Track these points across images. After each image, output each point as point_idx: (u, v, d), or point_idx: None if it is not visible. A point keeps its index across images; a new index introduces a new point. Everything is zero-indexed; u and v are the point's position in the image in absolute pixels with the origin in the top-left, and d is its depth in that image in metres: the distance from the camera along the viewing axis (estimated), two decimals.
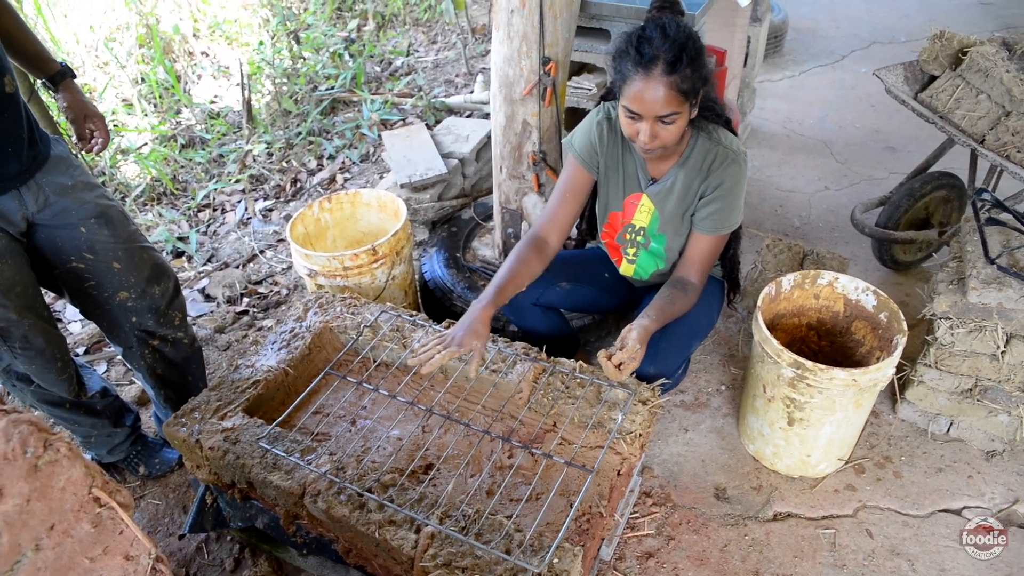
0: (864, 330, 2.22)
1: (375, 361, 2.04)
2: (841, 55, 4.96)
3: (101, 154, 2.14)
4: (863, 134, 4.02)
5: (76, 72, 2.04)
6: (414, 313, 2.07)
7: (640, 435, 1.73)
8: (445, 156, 3.15)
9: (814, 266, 2.64)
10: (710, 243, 1.87)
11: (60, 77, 1.95)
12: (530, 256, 1.87)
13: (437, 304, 2.58)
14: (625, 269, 2.10)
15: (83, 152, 2.04)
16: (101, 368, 2.73)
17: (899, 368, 2.10)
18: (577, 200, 1.96)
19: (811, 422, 2.04)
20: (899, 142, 3.92)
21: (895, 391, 2.35)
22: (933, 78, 2.61)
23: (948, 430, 2.29)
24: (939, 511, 2.10)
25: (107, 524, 1.03)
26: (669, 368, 1.92)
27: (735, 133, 1.87)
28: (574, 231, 2.31)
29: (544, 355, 1.92)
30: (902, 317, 2.02)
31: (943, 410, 2.26)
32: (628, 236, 2.01)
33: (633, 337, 1.67)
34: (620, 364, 1.63)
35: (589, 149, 1.91)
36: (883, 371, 1.92)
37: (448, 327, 2.00)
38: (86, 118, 1.99)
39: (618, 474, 1.71)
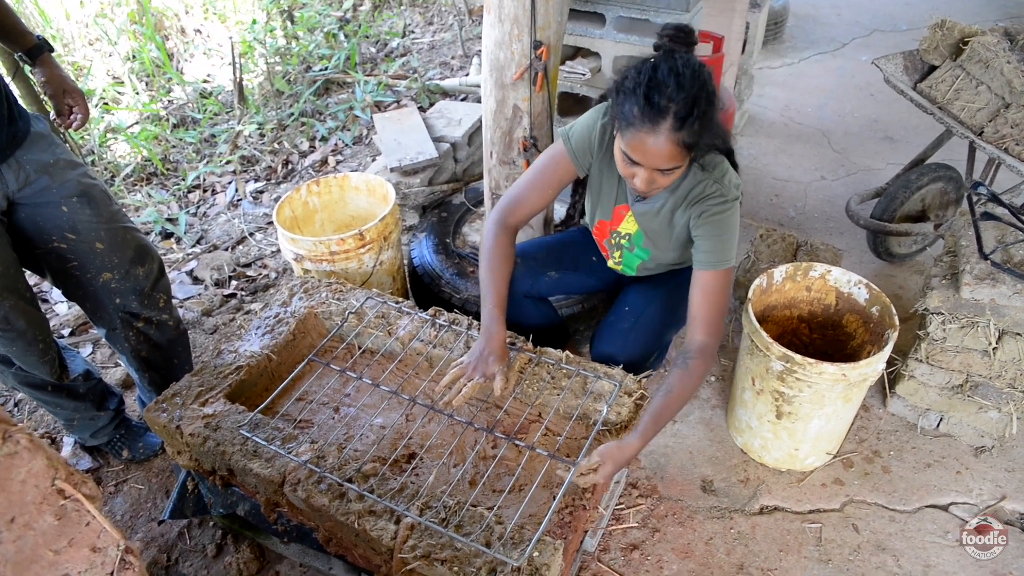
0: (856, 323, 2.20)
1: (360, 348, 2.01)
2: (842, 43, 4.90)
3: (90, 132, 2.10)
4: (862, 123, 3.98)
5: (54, 46, 1.99)
6: (400, 300, 2.04)
7: (625, 427, 1.71)
8: (437, 140, 3.11)
9: (808, 257, 2.61)
10: (711, 279, 1.68)
11: (37, 51, 1.90)
12: (508, 248, 1.82)
13: (426, 290, 2.55)
14: (612, 265, 2.07)
15: (63, 128, 2.00)
16: (86, 350, 2.71)
17: (890, 362, 2.08)
18: (553, 191, 1.85)
19: (800, 416, 2.02)
20: (898, 132, 3.88)
21: (885, 385, 2.33)
22: (933, 68, 2.58)
23: (938, 425, 2.28)
24: (926, 507, 2.09)
25: (72, 516, 1.00)
26: (639, 354, 1.89)
27: (735, 163, 1.75)
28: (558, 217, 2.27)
29: (530, 345, 1.89)
30: (894, 312, 2.00)
31: (933, 405, 2.24)
32: (614, 241, 1.97)
33: (598, 449, 1.56)
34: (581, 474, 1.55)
35: (585, 148, 1.78)
36: (873, 366, 1.90)
37: (435, 315, 1.97)
38: (65, 93, 1.94)
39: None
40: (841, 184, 3.47)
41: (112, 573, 1.06)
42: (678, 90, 1.42)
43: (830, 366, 1.85)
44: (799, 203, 3.36)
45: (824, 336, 2.31)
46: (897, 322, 1.97)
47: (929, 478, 2.16)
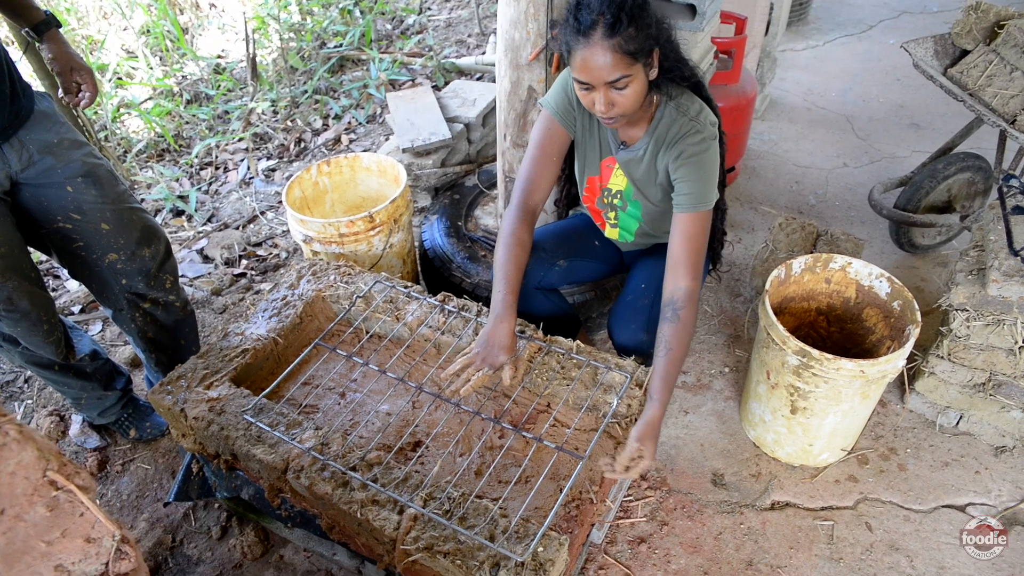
0: (876, 318, 2.14)
1: (367, 333, 1.98)
2: (869, 25, 4.77)
3: (103, 108, 2.07)
4: (887, 109, 3.87)
5: (63, 21, 1.95)
6: (409, 285, 2.01)
7: (636, 419, 1.67)
8: (450, 120, 3.06)
9: (827, 247, 2.55)
10: (691, 222, 1.66)
11: (44, 27, 1.86)
12: (526, 237, 1.78)
13: (436, 274, 2.51)
14: (610, 233, 2.03)
15: (71, 106, 1.97)
16: (96, 328, 2.70)
17: (910, 358, 2.03)
18: (557, 160, 1.84)
19: (815, 411, 1.97)
20: (925, 119, 3.77)
21: (904, 382, 2.27)
22: (965, 52, 2.48)
23: (957, 424, 2.22)
24: (943, 507, 2.04)
25: (64, 507, 0.98)
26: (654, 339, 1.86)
27: (707, 97, 1.74)
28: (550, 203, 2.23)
29: (540, 333, 1.86)
30: (916, 307, 1.94)
31: (953, 403, 2.18)
32: (606, 200, 1.93)
33: (631, 436, 1.53)
34: (627, 467, 1.51)
35: (566, 106, 1.78)
36: (893, 363, 1.84)
37: (444, 300, 1.94)
38: (72, 70, 1.91)
39: (612, 459, 1.66)
40: (864, 172, 3.38)
41: (107, 563, 1.05)
42: (600, 2, 1.46)
43: (848, 362, 1.80)
44: (820, 190, 3.28)
45: (842, 330, 2.26)
46: (919, 318, 1.91)
47: (946, 477, 2.11)
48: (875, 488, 2.09)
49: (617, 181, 1.87)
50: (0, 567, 0.93)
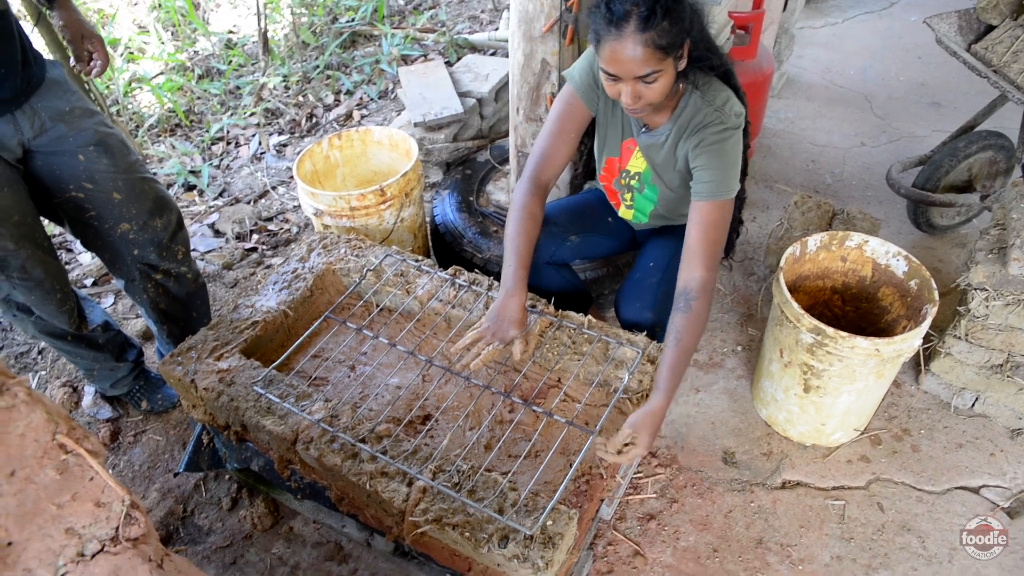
0: (892, 297, 2.11)
1: (377, 306, 1.97)
2: (890, 2, 4.68)
3: (115, 82, 2.06)
4: (907, 88, 3.80)
5: None
6: (419, 258, 2.00)
7: (647, 395, 1.66)
8: (463, 95, 3.02)
9: (844, 226, 2.51)
10: (709, 211, 1.63)
11: None
12: (537, 211, 1.76)
13: (447, 249, 2.50)
14: (624, 213, 2.00)
15: (82, 74, 1.96)
16: (108, 301, 2.71)
17: (926, 338, 1.99)
18: (574, 137, 1.81)
19: (828, 390, 1.95)
20: (946, 98, 3.70)
21: (920, 362, 2.25)
22: (990, 28, 2.42)
23: (973, 405, 2.19)
24: (956, 488, 2.02)
25: (74, 471, 0.98)
26: (669, 310, 1.83)
27: (735, 86, 1.69)
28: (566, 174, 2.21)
29: (552, 308, 1.84)
30: (934, 286, 1.90)
31: (969, 384, 2.15)
32: (624, 181, 1.90)
33: (627, 421, 1.48)
34: (619, 452, 1.46)
35: (591, 83, 1.74)
36: (909, 342, 1.82)
37: (455, 274, 1.92)
38: (84, 39, 1.90)
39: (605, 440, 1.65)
40: (882, 151, 3.33)
41: (117, 528, 1.05)
42: None
43: (863, 340, 1.78)
44: (836, 170, 3.23)
45: (857, 309, 2.23)
46: (937, 297, 1.88)
47: (960, 459, 2.09)
48: (888, 469, 2.08)
49: (636, 164, 1.84)
50: (13, 528, 0.94)
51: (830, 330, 1.80)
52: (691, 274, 1.60)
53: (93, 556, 1.00)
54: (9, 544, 0.93)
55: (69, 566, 0.97)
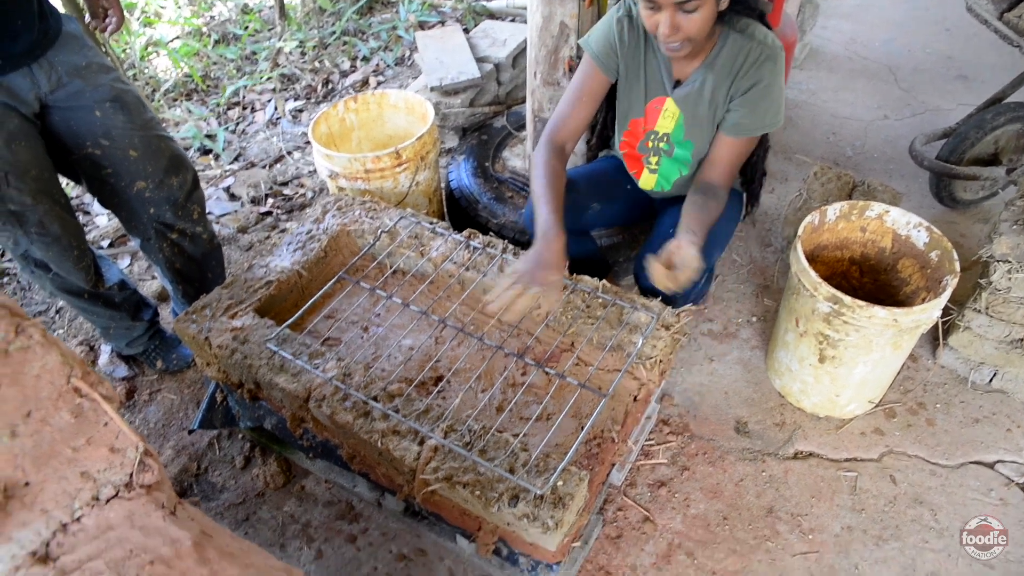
0: (911, 269, 2.07)
1: (391, 268, 1.97)
2: None
3: (131, 47, 2.05)
4: (933, 60, 3.71)
5: None
6: (434, 220, 1.98)
7: (660, 361, 1.65)
8: (480, 60, 2.99)
9: (864, 198, 2.47)
10: (737, 146, 1.71)
11: None
12: (560, 168, 1.75)
13: (462, 214, 2.48)
14: (646, 180, 1.97)
15: (98, 32, 1.95)
16: (124, 262, 2.72)
17: (945, 312, 1.96)
18: (592, 104, 1.81)
19: (844, 361, 1.93)
20: (973, 71, 3.61)
21: (938, 335, 2.22)
22: None
23: (990, 380, 2.17)
24: (970, 463, 2.00)
25: (89, 415, 0.98)
26: (694, 282, 1.83)
27: (770, 27, 1.68)
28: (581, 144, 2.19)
29: (566, 271, 1.82)
30: (955, 256, 1.87)
31: (988, 359, 2.12)
32: (651, 144, 1.87)
33: (694, 254, 1.50)
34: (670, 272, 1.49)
35: (608, 49, 1.74)
36: (928, 312, 1.79)
37: (470, 237, 1.91)
38: None
39: (635, 400, 1.64)
40: (905, 124, 3.26)
41: (131, 475, 1.06)
42: None
43: (881, 310, 1.75)
44: (858, 142, 3.17)
45: (876, 281, 2.20)
46: (958, 268, 1.84)
47: (976, 434, 2.07)
48: (901, 442, 2.06)
49: (665, 123, 1.82)
50: (30, 468, 0.94)
51: (847, 299, 1.78)
52: (712, 180, 1.72)
53: (108, 501, 1.00)
54: (27, 484, 0.94)
55: (84, 509, 0.97)
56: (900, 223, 2.05)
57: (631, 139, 1.91)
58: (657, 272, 1.47)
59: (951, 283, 1.82)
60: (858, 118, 3.31)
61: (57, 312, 2.54)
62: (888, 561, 1.81)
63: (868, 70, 3.65)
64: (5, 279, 2.65)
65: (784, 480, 1.98)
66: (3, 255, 2.70)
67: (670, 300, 1.77)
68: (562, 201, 1.69)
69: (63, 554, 0.91)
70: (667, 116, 1.80)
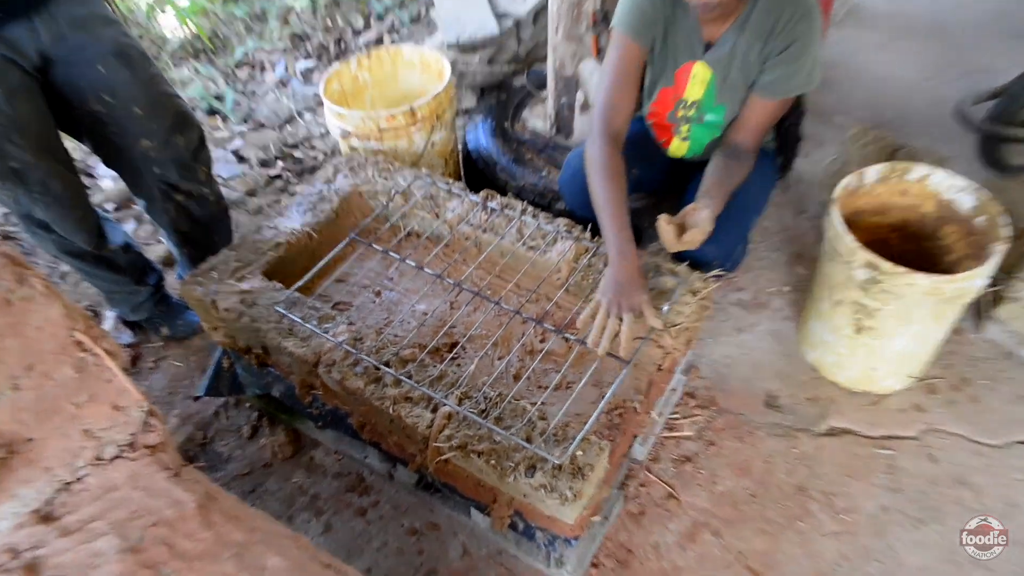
0: (955, 235, 1.94)
1: (405, 230, 1.88)
2: None
3: (138, 5, 1.96)
4: (986, 17, 3.50)
5: None
6: (449, 180, 1.89)
7: (687, 329, 1.55)
8: (500, 16, 2.86)
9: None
10: (771, 108, 1.66)
11: None
12: (619, 164, 1.65)
13: (480, 176, 2.38)
14: (676, 149, 1.89)
15: None
16: (129, 226, 2.66)
17: (992, 282, 1.84)
18: (635, 81, 1.74)
19: (882, 332, 1.82)
20: None
21: (983, 307, 2.09)
22: None
23: None
24: (1017, 442, 1.88)
25: (92, 371, 0.93)
26: (729, 248, 1.76)
27: None
28: None
29: (588, 234, 1.72)
30: (1006, 221, 1.74)
31: None
32: (680, 113, 1.79)
33: (706, 216, 1.50)
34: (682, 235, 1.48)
35: (642, 19, 1.66)
36: (973, 281, 1.66)
37: (487, 198, 1.81)
38: None
39: (659, 369, 1.54)
40: (952, 86, 3.07)
41: (135, 435, 0.99)
42: None
43: (923, 277, 1.63)
44: (900, 105, 3.00)
45: (917, 248, 2.06)
46: (1006, 234, 1.71)
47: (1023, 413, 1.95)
48: (943, 419, 1.94)
49: (694, 90, 1.74)
50: (32, 423, 0.89)
51: (886, 265, 1.66)
52: (741, 142, 1.69)
53: (111, 460, 0.95)
54: (29, 440, 0.89)
55: (87, 468, 0.93)
56: (944, 186, 1.91)
57: (660, 108, 1.83)
58: (665, 232, 1.49)
59: (999, 250, 1.69)
60: (900, 79, 3.14)
61: (61, 277, 2.48)
62: (927, 544, 1.71)
63: (913, 28, 3.45)
64: (9, 243, 2.59)
65: (817, 457, 1.87)
66: (7, 217, 2.64)
67: (700, 265, 1.67)
68: (626, 207, 1.60)
69: (66, 513, 0.88)
70: (696, 82, 1.72)
